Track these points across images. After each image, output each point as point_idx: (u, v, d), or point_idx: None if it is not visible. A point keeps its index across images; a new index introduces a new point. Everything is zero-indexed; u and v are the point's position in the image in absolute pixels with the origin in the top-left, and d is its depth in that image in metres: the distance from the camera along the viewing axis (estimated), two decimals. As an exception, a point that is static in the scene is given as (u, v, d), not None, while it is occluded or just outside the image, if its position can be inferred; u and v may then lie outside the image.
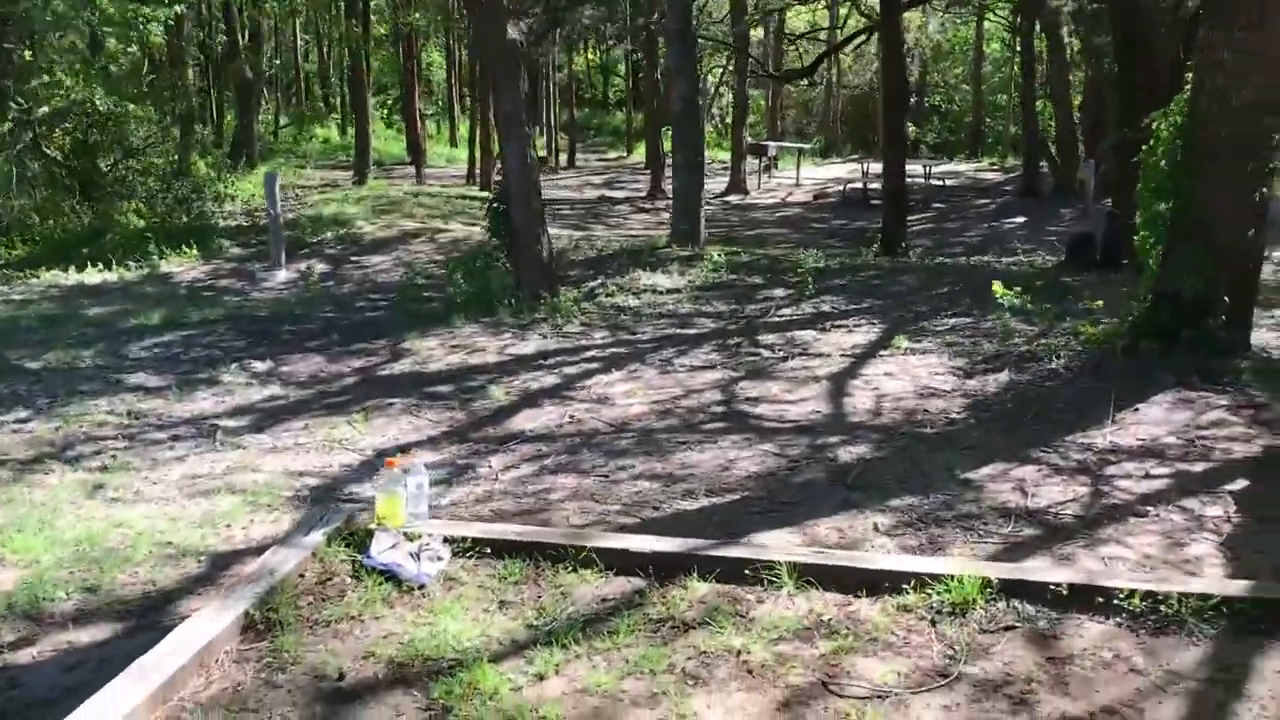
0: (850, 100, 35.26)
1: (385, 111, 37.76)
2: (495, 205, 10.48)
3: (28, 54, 16.16)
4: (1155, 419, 6.65)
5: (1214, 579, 4.05)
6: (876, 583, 3.84)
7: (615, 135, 37.92)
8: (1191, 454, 6.06)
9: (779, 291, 11.29)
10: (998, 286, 8.66)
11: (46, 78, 16.02)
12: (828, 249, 15.18)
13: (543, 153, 31.67)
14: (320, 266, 13.97)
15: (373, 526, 4.14)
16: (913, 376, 7.83)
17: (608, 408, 7.36)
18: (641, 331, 9.58)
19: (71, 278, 13.10)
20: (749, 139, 25.06)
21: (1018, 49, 24.09)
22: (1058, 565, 4.32)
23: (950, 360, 8.16)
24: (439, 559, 3.96)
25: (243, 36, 25.34)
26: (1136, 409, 6.83)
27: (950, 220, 20.49)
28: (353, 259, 14.59)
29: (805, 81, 26.35)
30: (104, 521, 5.30)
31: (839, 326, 9.60)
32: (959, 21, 31.40)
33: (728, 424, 6.96)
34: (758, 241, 16.58)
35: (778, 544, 4.68)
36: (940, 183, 23.20)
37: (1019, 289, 8.86)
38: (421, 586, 3.85)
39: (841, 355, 8.52)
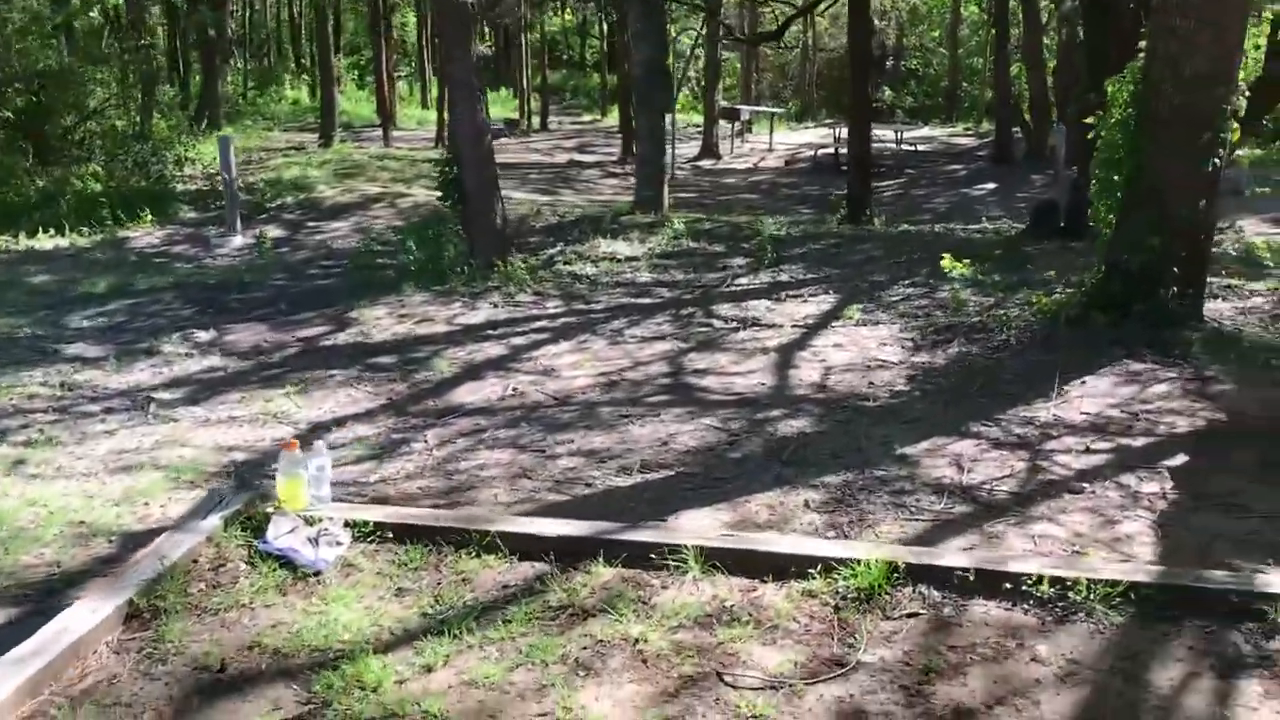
0: (826, 64, 34.93)
1: (357, 73, 37.22)
2: (447, 171, 10.30)
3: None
4: (1101, 392, 6.59)
5: (1120, 566, 3.97)
6: (784, 567, 3.75)
7: (591, 98, 37.51)
8: (1134, 428, 6.01)
9: (739, 260, 11.17)
10: (947, 259, 8.57)
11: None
12: (795, 215, 15.05)
13: (515, 115, 31.34)
14: (277, 232, 13.73)
15: (271, 510, 4.03)
16: (861, 348, 7.74)
17: (552, 380, 7.25)
18: (596, 301, 9.45)
19: (22, 243, 12.84)
20: (722, 103, 24.80)
21: (993, 11, 23.83)
22: (971, 548, 4.24)
23: (901, 331, 8.08)
24: (338, 544, 3.85)
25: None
26: (1083, 381, 6.77)
27: (920, 186, 20.34)
28: (310, 224, 14.37)
29: (778, 44, 26.02)
30: (18, 499, 5.17)
31: (794, 296, 9.50)
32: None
33: (672, 397, 6.86)
34: (727, 207, 16.41)
35: (700, 524, 4.61)
36: (912, 148, 23.01)
37: (970, 260, 8.78)
38: (318, 573, 3.75)
39: (793, 326, 8.42)
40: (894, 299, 9.13)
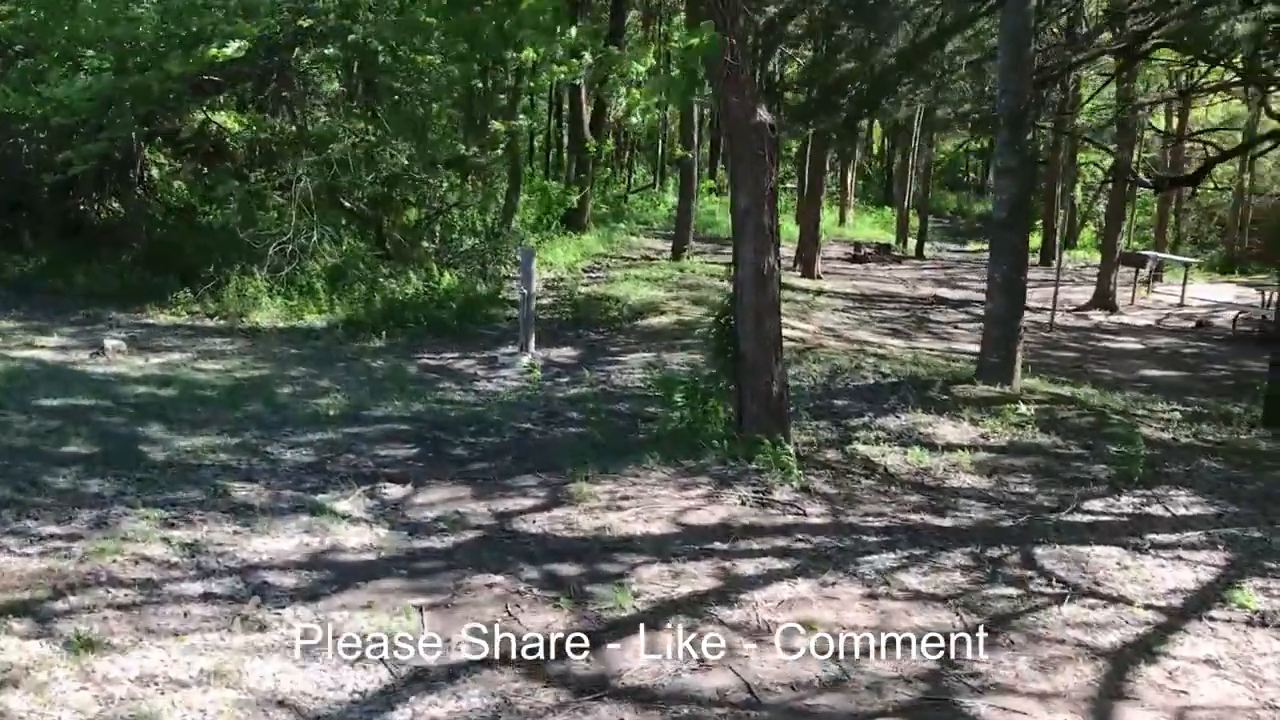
0: (1268, 210, 29.85)
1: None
2: (724, 321, 8.46)
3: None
4: None
5: None
6: None
7: (974, 226, 34.64)
8: None
9: (1098, 468, 8.45)
10: None
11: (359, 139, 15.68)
12: (1191, 405, 11.76)
13: (891, 239, 29.21)
14: (570, 354, 12.51)
15: None
16: (1252, 677, 4.99)
17: (759, 650, 5.11)
18: (876, 512, 7.16)
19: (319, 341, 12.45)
20: (1122, 247, 21.35)
21: None
22: None
23: (1324, 649, 5.19)
24: None
25: (589, 103, 24.84)
26: None
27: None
28: (610, 350, 13.02)
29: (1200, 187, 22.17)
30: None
31: (1163, 547, 6.75)
32: None
33: (916, 723, 4.51)
34: (1106, 381, 13.28)
35: None
36: None
37: None
38: None
39: (1146, 607, 5.75)
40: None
